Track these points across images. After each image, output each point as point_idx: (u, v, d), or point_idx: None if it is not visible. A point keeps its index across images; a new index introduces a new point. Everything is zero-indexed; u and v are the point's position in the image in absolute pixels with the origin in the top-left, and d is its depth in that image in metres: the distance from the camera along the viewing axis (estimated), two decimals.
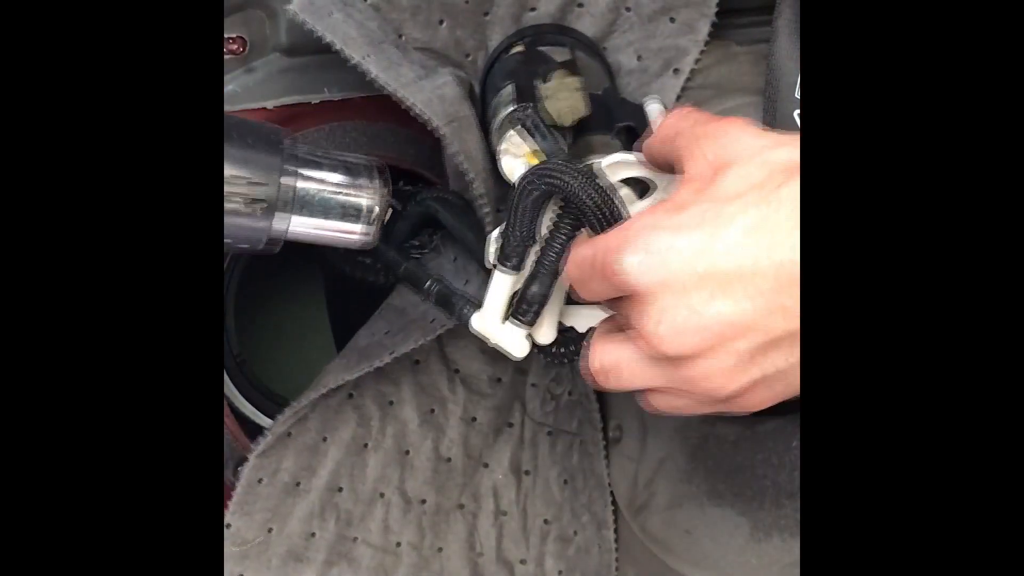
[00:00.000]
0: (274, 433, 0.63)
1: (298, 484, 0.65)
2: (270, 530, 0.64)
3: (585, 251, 0.47)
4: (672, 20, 0.62)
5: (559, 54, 0.61)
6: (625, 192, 0.52)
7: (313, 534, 0.65)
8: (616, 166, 0.51)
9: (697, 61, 0.63)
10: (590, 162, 0.52)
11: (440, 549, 0.69)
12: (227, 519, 0.62)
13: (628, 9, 0.63)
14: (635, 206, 0.52)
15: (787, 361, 0.43)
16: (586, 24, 0.63)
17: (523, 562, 0.71)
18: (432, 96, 0.56)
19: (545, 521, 0.71)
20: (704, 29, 0.62)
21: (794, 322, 0.42)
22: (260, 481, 0.63)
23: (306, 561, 0.65)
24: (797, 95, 0.57)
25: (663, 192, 0.52)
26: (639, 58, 0.64)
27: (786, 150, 0.43)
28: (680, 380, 0.45)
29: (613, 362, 0.47)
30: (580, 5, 0.63)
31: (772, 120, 0.58)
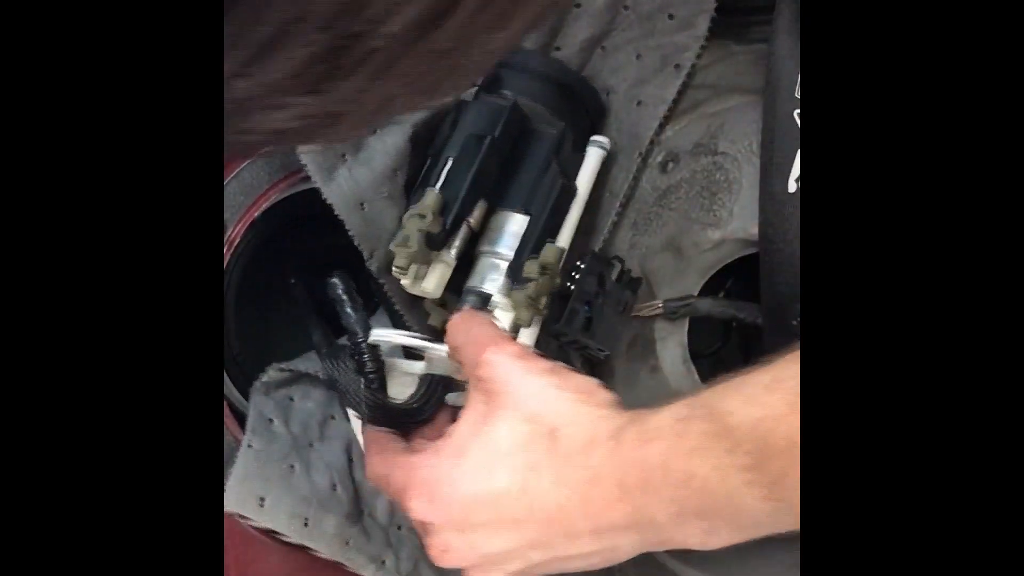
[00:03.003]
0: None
1: (311, 444, 0.64)
2: (292, 468, 0.62)
3: (379, 471, 0.55)
4: (671, 17, 0.62)
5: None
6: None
7: (335, 487, 0.64)
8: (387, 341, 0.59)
9: (698, 57, 0.62)
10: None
11: None
12: (247, 439, 0.61)
13: (626, 7, 0.62)
14: (449, 397, 0.61)
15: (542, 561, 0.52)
16: (584, 24, 0.63)
17: None
18: (347, 186, 0.60)
19: None
20: (703, 25, 0.62)
21: (548, 552, 0.50)
22: (271, 421, 0.62)
23: (328, 510, 0.63)
24: (797, 95, 0.57)
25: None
26: (638, 56, 0.63)
27: (541, 399, 0.49)
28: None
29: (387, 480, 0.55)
30: (577, 5, 0.62)
31: (772, 120, 0.58)
